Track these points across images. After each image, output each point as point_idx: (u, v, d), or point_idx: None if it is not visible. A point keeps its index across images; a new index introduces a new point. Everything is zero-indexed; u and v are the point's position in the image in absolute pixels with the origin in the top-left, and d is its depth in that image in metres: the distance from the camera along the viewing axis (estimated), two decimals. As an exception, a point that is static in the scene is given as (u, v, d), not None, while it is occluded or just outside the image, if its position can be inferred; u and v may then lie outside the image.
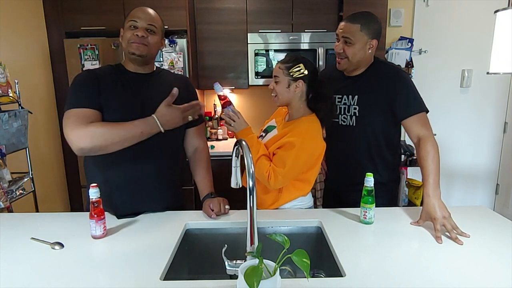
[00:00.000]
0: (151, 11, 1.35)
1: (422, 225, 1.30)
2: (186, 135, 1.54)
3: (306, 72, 1.42)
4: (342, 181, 1.71)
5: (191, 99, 1.41)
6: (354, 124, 1.57)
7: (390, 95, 1.49)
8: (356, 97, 1.55)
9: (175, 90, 1.32)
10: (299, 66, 1.42)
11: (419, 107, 1.47)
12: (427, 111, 1.49)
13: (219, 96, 1.45)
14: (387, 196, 1.63)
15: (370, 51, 1.50)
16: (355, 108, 1.56)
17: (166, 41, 2.69)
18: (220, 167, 1.81)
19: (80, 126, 1.21)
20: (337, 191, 1.75)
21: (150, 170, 1.37)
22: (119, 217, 1.35)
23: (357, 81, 1.57)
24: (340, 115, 1.61)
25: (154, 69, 1.45)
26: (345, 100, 1.59)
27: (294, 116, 1.49)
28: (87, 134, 1.20)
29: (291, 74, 1.43)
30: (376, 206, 1.29)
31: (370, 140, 1.58)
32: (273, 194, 1.49)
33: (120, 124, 1.24)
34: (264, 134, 1.58)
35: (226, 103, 1.44)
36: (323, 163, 1.86)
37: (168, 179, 1.46)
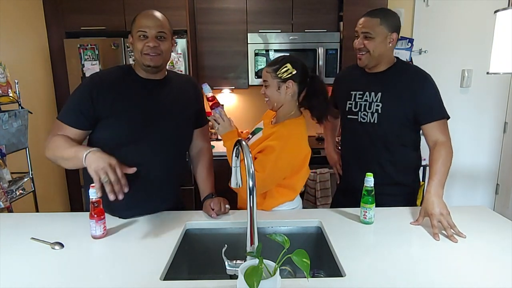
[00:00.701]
0: (158, 14, 1.33)
1: (421, 223, 1.30)
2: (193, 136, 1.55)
3: (294, 71, 1.39)
4: (359, 179, 1.59)
5: (198, 98, 1.51)
6: (375, 121, 1.53)
7: (415, 97, 1.47)
8: (380, 94, 1.51)
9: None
10: (286, 66, 1.39)
11: (442, 114, 1.48)
12: (448, 118, 1.50)
13: (208, 98, 1.43)
14: (407, 197, 1.60)
15: (390, 44, 1.49)
16: (377, 105, 1.52)
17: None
18: (220, 167, 1.80)
19: (50, 137, 1.28)
20: (353, 191, 1.62)
21: (157, 172, 1.37)
22: (123, 217, 1.35)
23: (382, 78, 1.54)
24: (360, 112, 1.57)
25: (166, 74, 1.44)
26: (366, 96, 1.56)
27: (280, 119, 1.46)
28: (48, 147, 1.27)
29: (279, 76, 1.39)
30: (393, 205, 1.29)
31: (390, 139, 1.54)
32: (257, 199, 1.47)
33: (67, 144, 1.24)
34: (251, 136, 1.55)
35: (214, 105, 1.43)
36: (337, 167, 1.84)
37: (173, 181, 1.47)
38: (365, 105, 1.56)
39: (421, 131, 1.57)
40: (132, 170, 1.19)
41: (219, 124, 1.42)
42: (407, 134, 1.56)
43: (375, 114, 1.53)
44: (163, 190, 1.42)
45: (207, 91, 1.43)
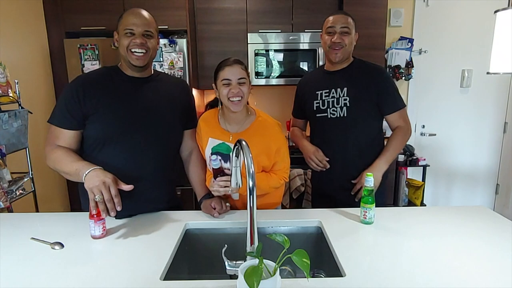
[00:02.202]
0: (145, 13, 1.35)
1: (357, 182, 1.62)
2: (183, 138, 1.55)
3: None
4: (334, 176, 1.70)
5: (188, 100, 1.52)
6: (345, 115, 1.63)
7: (377, 90, 1.62)
8: (346, 89, 1.63)
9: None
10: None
11: (402, 104, 1.67)
12: (405, 106, 1.70)
13: (217, 170, 1.35)
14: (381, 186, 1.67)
15: (355, 42, 1.66)
16: (345, 99, 1.63)
17: (166, 41, 2.69)
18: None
19: (49, 147, 1.32)
20: (328, 190, 1.75)
21: (148, 171, 1.38)
22: (117, 217, 1.34)
23: (344, 74, 1.66)
24: (328, 109, 1.66)
25: (152, 72, 1.46)
26: (333, 93, 1.66)
27: (246, 120, 1.43)
28: (48, 158, 1.32)
29: (248, 73, 1.43)
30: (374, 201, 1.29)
31: (359, 128, 1.65)
32: (273, 195, 1.51)
33: (69, 159, 1.28)
34: (219, 158, 1.38)
35: (218, 171, 1.36)
36: (318, 153, 1.70)
37: (165, 181, 1.47)
38: (332, 101, 1.66)
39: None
40: (128, 187, 1.20)
41: (228, 187, 1.32)
42: (374, 122, 1.69)
43: (344, 108, 1.64)
44: (155, 189, 1.42)
45: (215, 165, 1.35)
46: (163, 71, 2.68)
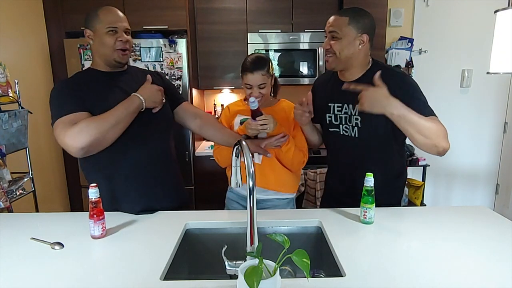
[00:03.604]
0: (119, 11, 1.38)
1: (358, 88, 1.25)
2: (179, 113, 1.58)
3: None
4: (346, 187, 1.55)
5: (163, 81, 1.54)
6: (356, 135, 1.44)
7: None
8: (357, 106, 1.30)
9: (149, 77, 1.42)
10: (270, 62, 1.57)
11: (429, 111, 1.32)
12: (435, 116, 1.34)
13: (252, 110, 1.46)
14: (392, 198, 1.53)
15: (360, 46, 1.35)
16: (356, 119, 1.42)
17: (166, 41, 2.70)
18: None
19: (71, 128, 1.20)
20: (339, 196, 1.59)
21: (150, 159, 1.41)
22: (138, 213, 1.39)
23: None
24: (341, 125, 1.48)
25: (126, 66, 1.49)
26: (345, 109, 1.45)
27: (269, 104, 1.65)
28: (81, 131, 1.19)
29: (270, 73, 1.55)
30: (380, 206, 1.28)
31: (372, 154, 1.46)
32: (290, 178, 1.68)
33: (104, 113, 1.26)
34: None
35: (256, 113, 1.46)
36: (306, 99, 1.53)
37: (170, 171, 1.50)
38: (345, 118, 1.46)
39: (406, 142, 1.48)
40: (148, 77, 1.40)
41: (267, 125, 1.46)
42: (390, 148, 1.46)
43: (355, 128, 1.44)
44: (162, 181, 1.45)
45: (253, 106, 1.45)
46: (163, 70, 2.70)
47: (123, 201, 1.39)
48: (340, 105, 1.47)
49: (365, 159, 1.48)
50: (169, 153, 1.51)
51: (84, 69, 1.48)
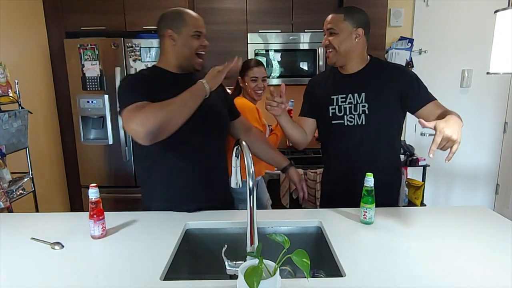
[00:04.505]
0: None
1: (427, 125, 1.19)
2: (235, 125, 1.62)
3: None
4: (346, 184, 1.58)
5: (228, 93, 1.65)
6: (363, 123, 1.50)
7: (401, 90, 1.46)
8: (364, 94, 1.49)
9: (236, 60, 1.43)
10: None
11: (433, 97, 1.48)
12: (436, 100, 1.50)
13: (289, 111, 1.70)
14: (391, 196, 1.60)
15: (357, 40, 1.47)
16: (363, 106, 1.49)
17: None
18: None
19: (138, 112, 1.19)
20: (339, 195, 1.61)
21: (212, 160, 1.46)
22: (189, 211, 1.40)
23: (360, 77, 1.52)
24: (345, 116, 1.53)
25: None
26: (350, 99, 1.52)
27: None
28: (148, 115, 1.17)
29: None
30: (379, 206, 1.28)
31: (379, 139, 1.53)
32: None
33: (169, 99, 1.24)
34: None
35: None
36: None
37: (224, 169, 1.53)
38: (350, 107, 1.52)
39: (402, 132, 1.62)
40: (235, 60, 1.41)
41: None
42: (394, 134, 1.58)
43: (362, 115, 1.50)
44: (218, 181, 1.49)
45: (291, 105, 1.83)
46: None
47: (177, 200, 1.42)
48: (344, 95, 1.54)
49: (371, 146, 1.53)
50: (223, 152, 1.54)
51: (148, 66, 1.51)
